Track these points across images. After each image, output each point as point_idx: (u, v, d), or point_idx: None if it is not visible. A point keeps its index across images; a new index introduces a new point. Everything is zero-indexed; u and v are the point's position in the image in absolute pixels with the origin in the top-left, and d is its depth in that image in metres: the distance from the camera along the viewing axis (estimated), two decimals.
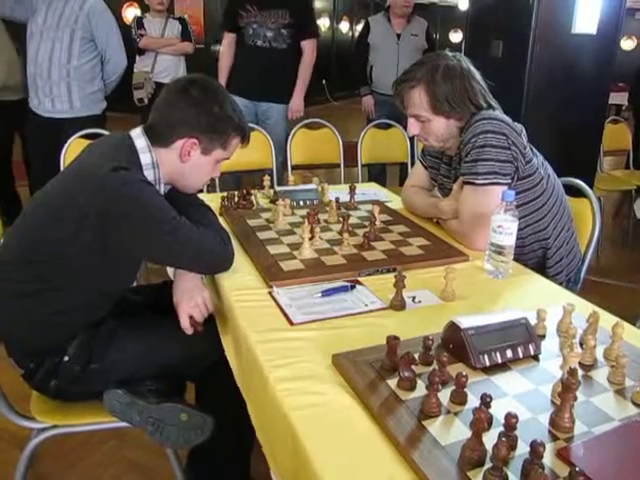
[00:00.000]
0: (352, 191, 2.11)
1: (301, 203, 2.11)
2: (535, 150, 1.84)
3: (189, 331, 1.49)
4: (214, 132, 1.52)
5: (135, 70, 4.32)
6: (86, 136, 2.93)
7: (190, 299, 1.49)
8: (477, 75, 1.78)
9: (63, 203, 1.42)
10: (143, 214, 1.40)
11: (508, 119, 1.75)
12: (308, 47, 3.80)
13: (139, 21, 4.27)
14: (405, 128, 2.06)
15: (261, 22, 3.59)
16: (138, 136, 1.51)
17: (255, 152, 3.01)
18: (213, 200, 1.99)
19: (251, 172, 3.59)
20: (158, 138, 1.51)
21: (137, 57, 4.32)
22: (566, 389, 0.94)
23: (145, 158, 1.49)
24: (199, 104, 1.50)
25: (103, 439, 2.10)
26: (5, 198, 3.85)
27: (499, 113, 1.77)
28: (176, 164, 1.53)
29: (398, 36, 4.23)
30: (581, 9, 3.27)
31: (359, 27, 12.38)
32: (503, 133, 1.68)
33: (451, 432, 0.94)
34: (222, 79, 3.68)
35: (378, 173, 4.27)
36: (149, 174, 1.49)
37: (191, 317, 1.49)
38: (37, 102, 3.36)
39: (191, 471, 1.72)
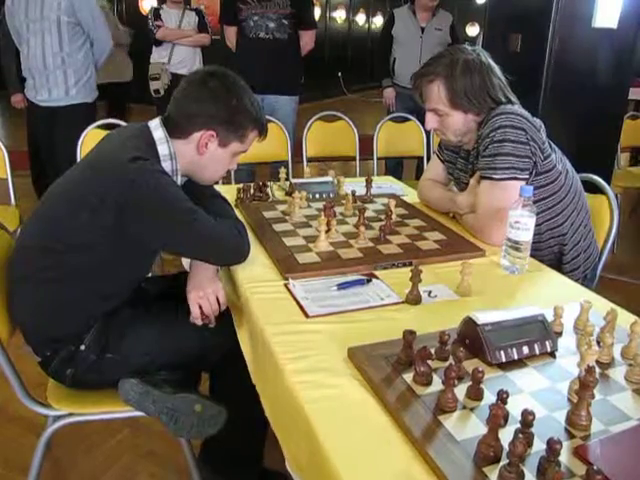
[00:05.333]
0: (368, 184, 2.11)
1: (317, 196, 2.10)
2: (554, 145, 1.82)
3: (198, 321, 1.50)
4: (232, 125, 1.52)
5: (151, 61, 4.33)
6: (103, 126, 2.95)
7: (200, 289, 1.50)
8: (496, 69, 1.77)
9: (81, 192, 1.43)
10: (160, 204, 1.41)
11: (527, 114, 1.73)
12: (308, 37, 3.80)
13: (156, 12, 4.27)
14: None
15: (262, 13, 3.57)
16: (156, 127, 1.52)
17: (270, 144, 3.01)
18: (228, 192, 2.00)
19: (265, 164, 3.59)
20: (176, 129, 1.51)
21: (153, 48, 4.33)
22: (584, 387, 0.93)
23: (163, 149, 1.50)
24: (217, 97, 1.50)
25: (117, 427, 2.12)
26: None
27: (518, 108, 1.76)
28: (193, 156, 1.54)
29: (422, 30, 4.19)
30: (602, 3, 3.21)
31: (375, 19, 12.36)
32: (522, 128, 1.67)
33: (467, 428, 0.94)
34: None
35: (394, 166, 4.26)
36: (166, 165, 1.50)
37: (201, 308, 1.50)
38: (34, 93, 3.40)
39: (204, 461, 1.73)
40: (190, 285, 1.52)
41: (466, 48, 1.78)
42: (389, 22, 4.35)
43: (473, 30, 11.03)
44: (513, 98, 1.79)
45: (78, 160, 2.70)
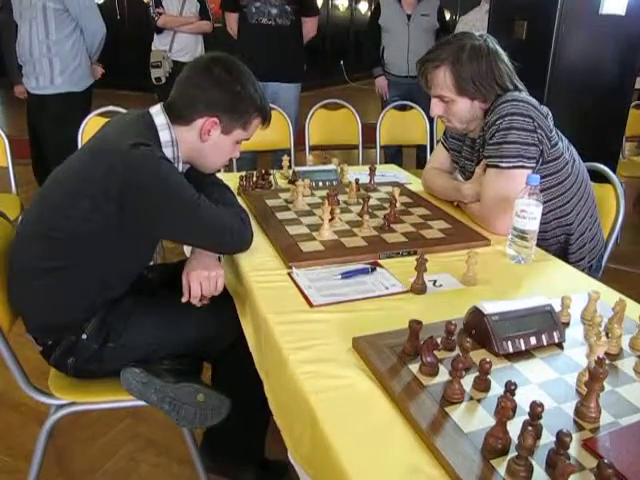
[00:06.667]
0: (372, 172, 2.09)
1: (320, 184, 2.09)
2: (560, 134, 1.80)
3: (194, 300, 1.49)
4: (235, 112, 1.50)
5: (153, 48, 4.30)
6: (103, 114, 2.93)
7: (205, 268, 1.48)
8: (504, 56, 1.74)
9: (82, 179, 1.41)
10: (162, 190, 1.39)
11: (534, 101, 1.71)
12: (311, 24, 3.77)
13: None
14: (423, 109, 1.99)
15: None
16: (157, 113, 1.50)
17: (272, 132, 2.99)
18: (231, 180, 1.98)
19: (267, 152, 3.57)
20: (178, 116, 1.49)
21: (155, 36, 4.29)
22: (593, 378, 0.91)
23: (164, 135, 1.48)
24: (221, 83, 1.48)
25: (119, 416, 2.12)
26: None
27: (525, 95, 1.73)
28: (196, 143, 1.52)
29: (408, 17, 4.16)
30: None
31: (373, 8, 12.25)
32: (529, 115, 1.64)
33: (474, 419, 0.92)
34: None
35: (394, 154, 4.24)
36: (168, 152, 1.48)
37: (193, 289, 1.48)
38: (26, 80, 3.41)
39: (206, 450, 1.73)
40: (187, 268, 1.50)
41: (473, 34, 1.75)
42: (376, 12, 4.35)
43: None
44: (520, 85, 1.76)
45: (79, 147, 2.68)
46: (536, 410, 0.84)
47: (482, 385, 0.99)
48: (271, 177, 2.14)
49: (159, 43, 4.28)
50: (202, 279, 1.48)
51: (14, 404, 2.14)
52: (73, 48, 3.34)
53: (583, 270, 1.71)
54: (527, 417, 0.85)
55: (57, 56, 3.29)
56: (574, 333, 1.19)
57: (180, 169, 1.53)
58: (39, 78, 3.34)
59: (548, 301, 1.17)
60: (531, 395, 0.94)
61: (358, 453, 0.88)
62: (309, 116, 3.34)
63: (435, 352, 1.03)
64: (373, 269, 1.45)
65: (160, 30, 4.24)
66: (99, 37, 3.43)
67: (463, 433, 0.89)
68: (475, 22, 4.11)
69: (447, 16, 4.73)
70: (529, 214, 1.50)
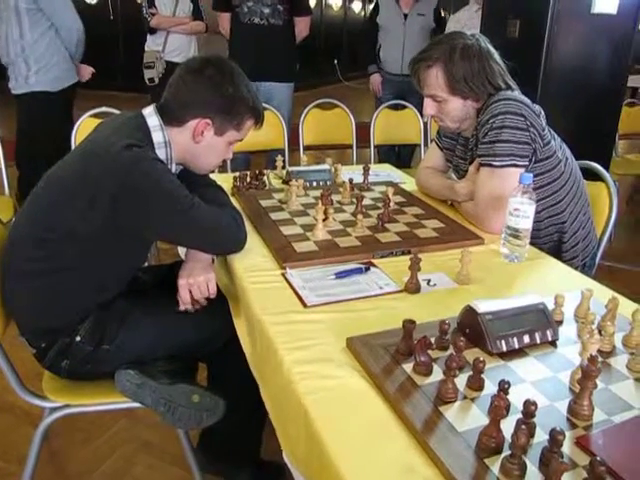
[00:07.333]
0: (366, 172, 2.09)
1: (314, 184, 2.09)
2: (553, 132, 1.80)
3: (188, 305, 1.49)
4: (228, 113, 1.50)
5: (146, 49, 4.29)
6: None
7: (189, 276, 1.48)
8: (496, 55, 1.75)
9: (75, 181, 1.41)
10: (155, 191, 1.38)
11: (527, 100, 1.71)
12: (303, 24, 3.77)
13: None
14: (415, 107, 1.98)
15: None
16: (150, 114, 1.49)
17: (266, 132, 2.99)
18: (225, 180, 1.98)
19: (261, 152, 3.56)
20: (171, 117, 1.49)
21: (148, 36, 4.28)
22: (586, 376, 0.92)
23: (157, 137, 1.47)
24: (213, 84, 1.48)
25: (114, 418, 2.11)
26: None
27: (517, 94, 1.74)
28: (189, 144, 1.51)
29: (405, 16, 4.19)
30: None
31: (372, 7, 12.24)
32: (522, 114, 1.65)
33: (468, 418, 0.92)
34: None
35: (387, 152, 4.25)
36: (161, 153, 1.48)
37: (190, 292, 1.49)
38: (8, 81, 3.42)
39: (202, 451, 1.73)
40: (181, 271, 1.51)
41: (465, 33, 1.76)
42: (374, 10, 4.38)
43: None
44: (512, 84, 1.77)
45: (72, 149, 2.67)
46: (529, 408, 0.85)
47: (476, 384, 0.99)
48: (265, 177, 2.14)
49: (152, 43, 4.27)
50: (190, 286, 1.48)
51: (8, 407, 2.14)
52: (49, 47, 3.31)
53: (576, 268, 1.71)
54: (520, 415, 0.86)
55: (32, 56, 3.28)
56: (567, 331, 1.20)
57: (173, 170, 1.53)
58: (17, 78, 3.35)
59: (541, 299, 1.18)
60: (524, 393, 0.94)
61: (352, 454, 0.88)
62: (303, 116, 3.34)
63: (429, 351, 1.04)
64: (367, 269, 1.45)
65: (153, 30, 4.23)
66: (75, 34, 3.38)
67: (457, 432, 0.89)
68: (466, 21, 4.13)
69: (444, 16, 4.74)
70: (522, 213, 1.50)
